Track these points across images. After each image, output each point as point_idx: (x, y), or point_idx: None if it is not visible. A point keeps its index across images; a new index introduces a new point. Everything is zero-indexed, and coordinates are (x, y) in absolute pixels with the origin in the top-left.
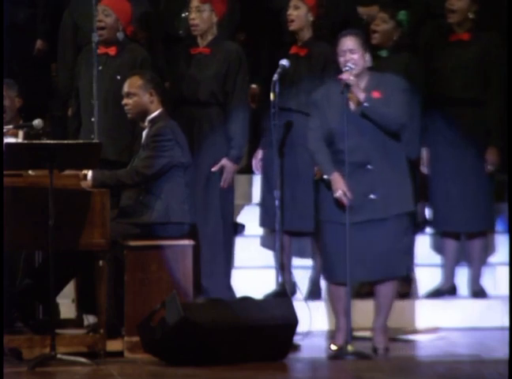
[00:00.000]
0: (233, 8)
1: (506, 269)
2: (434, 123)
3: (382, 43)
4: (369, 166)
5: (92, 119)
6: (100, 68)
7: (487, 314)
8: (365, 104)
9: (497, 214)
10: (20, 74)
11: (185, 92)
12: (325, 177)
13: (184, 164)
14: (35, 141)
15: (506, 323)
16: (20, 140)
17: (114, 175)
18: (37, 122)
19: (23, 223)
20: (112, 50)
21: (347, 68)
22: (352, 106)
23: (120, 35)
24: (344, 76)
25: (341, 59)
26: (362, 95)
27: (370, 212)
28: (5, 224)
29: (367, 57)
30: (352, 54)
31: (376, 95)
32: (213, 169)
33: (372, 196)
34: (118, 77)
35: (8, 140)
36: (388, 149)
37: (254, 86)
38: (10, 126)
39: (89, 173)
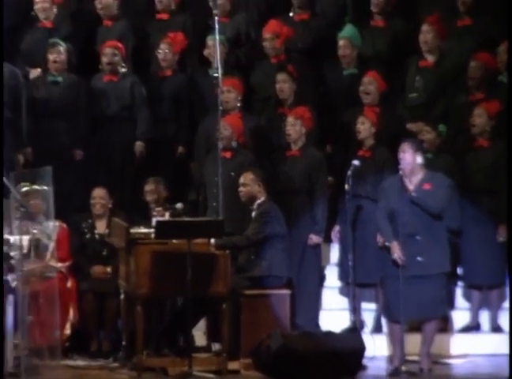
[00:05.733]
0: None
1: None
2: (464, 207)
3: (428, 148)
4: (417, 237)
5: (214, 204)
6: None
7: (503, 344)
8: (413, 194)
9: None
10: (166, 174)
11: (282, 184)
12: (386, 244)
13: (282, 234)
14: (177, 219)
15: None
16: (166, 218)
17: (230, 240)
18: (179, 206)
19: (169, 277)
20: (228, 154)
21: (400, 172)
22: (409, 192)
23: (234, 144)
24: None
25: (400, 157)
26: (411, 187)
27: (418, 270)
28: (157, 279)
29: (418, 157)
30: (404, 153)
31: (427, 187)
32: (310, 242)
33: (419, 258)
34: (232, 174)
35: (157, 218)
36: (432, 224)
37: (330, 178)
38: (160, 208)
39: (212, 239)
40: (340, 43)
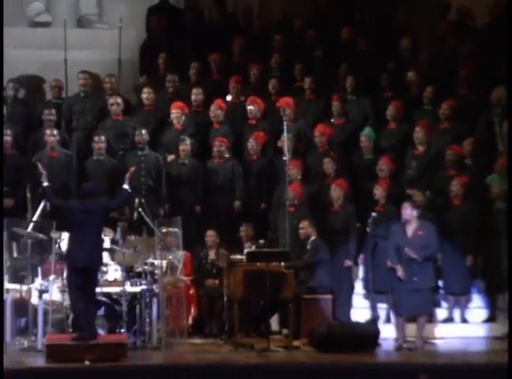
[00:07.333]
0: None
1: (477, 310)
2: (445, 245)
3: (419, 206)
4: (413, 265)
5: (283, 241)
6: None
7: (468, 330)
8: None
9: (471, 284)
10: (254, 221)
11: (328, 228)
12: (393, 266)
13: (326, 260)
14: (260, 250)
15: (477, 334)
16: (253, 249)
17: (294, 263)
18: (261, 241)
19: (255, 287)
20: (292, 209)
21: (402, 220)
22: (408, 235)
23: (296, 202)
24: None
25: (402, 211)
26: (409, 233)
27: (415, 285)
28: (247, 288)
29: (413, 212)
30: (404, 209)
31: (420, 233)
32: (345, 265)
33: (415, 278)
34: (295, 221)
35: (248, 250)
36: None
37: (358, 224)
38: (249, 243)
39: (282, 262)
40: (362, 138)
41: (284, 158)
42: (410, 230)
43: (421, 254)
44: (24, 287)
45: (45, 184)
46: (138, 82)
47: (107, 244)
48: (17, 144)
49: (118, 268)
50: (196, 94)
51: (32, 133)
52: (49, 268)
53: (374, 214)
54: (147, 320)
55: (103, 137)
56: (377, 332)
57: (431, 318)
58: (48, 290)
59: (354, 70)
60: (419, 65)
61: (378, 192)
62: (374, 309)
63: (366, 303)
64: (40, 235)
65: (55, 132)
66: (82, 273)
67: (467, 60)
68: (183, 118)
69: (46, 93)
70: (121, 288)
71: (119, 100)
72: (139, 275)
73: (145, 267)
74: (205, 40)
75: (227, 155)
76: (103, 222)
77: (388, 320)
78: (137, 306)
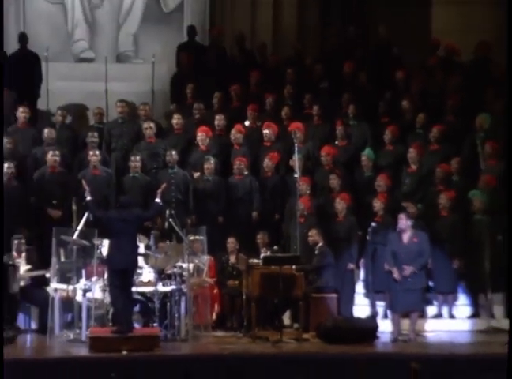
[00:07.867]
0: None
1: (463, 307)
2: (435, 250)
3: (412, 216)
4: None
5: (294, 247)
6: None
7: (455, 325)
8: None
9: (457, 284)
10: (269, 229)
11: (333, 236)
12: (390, 269)
13: (332, 264)
14: (274, 255)
15: (462, 328)
16: (268, 254)
17: (303, 267)
18: (275, 247)
19: (269, 286)
20: (302, 219)
21: (398, 229)
22: (404, 242)
23: (305, 213)
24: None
25: (398, 221)
26: (405, 240)
27: (408, 286)
28: (263, 288)
29: (408, 221)
30: (400, 219)
31: (415, 240)
32: (348, 268)
33: (409, 279)
34: (305, 230)
35: (263, 254)
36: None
37: (359, 233)
38: (264, 248)
39: (293, 266)
40: (363, 158)
41: (295, 175)
42: (406, 237)
43: (417, 266)
44: (71, 287)
45: (88, 198)
46: (169, 109)
47: (141, 249)
48: (65, 162)
49: (152, 270)
50: (219, 120)
51: (78, 153)
52: (92, 270)
53: (373, 224)
54: (176, 315)
55: (138, 157)
56: (375, 326)
57: (423, 314)
58: (91, 290)
59: (355, 99)
60: (412, 95)
61: (377, 205)
62: (373, 306)
63: (366, 301)
64: (84, 242)
65: (97, 152)
66: (120, 275)
67: (454, 91)
68: (208, 140)
69: (89, 119)
70: (154, 288)
71: (152, 125)
72: (169, 276)
73: (175, 269)
74: (227, 73)
75: (245, 173)
76: (138, 230)
77: (385, 316)
78: (168, 304)
